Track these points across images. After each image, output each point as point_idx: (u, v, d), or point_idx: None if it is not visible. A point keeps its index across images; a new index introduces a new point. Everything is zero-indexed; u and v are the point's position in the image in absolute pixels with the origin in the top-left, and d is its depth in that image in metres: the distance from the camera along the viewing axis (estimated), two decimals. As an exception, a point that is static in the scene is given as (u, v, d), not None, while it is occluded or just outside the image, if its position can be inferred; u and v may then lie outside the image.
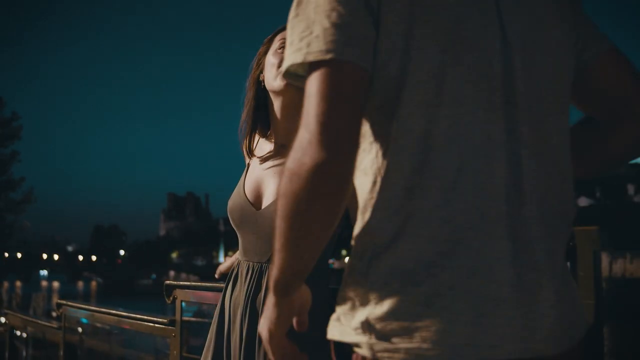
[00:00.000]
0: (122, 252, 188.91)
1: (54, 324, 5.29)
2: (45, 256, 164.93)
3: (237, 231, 2.60)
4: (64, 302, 5.10)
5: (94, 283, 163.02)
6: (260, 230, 2.49)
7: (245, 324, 2.45)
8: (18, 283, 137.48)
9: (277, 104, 2.57)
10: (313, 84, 1.33)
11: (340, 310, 1.44)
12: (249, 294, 2.48)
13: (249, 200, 2.55)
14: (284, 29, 2.54)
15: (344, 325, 1.41)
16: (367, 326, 1.36)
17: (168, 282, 3.59)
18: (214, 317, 2.64)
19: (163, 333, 3.65)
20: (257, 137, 2.67)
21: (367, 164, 1.41)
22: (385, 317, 1.33)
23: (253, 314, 2.45)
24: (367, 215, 1.40)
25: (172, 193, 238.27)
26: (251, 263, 2.52)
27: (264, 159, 2.60)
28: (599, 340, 1.75)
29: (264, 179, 2.56)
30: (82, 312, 4.71)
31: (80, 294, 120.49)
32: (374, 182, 1.39)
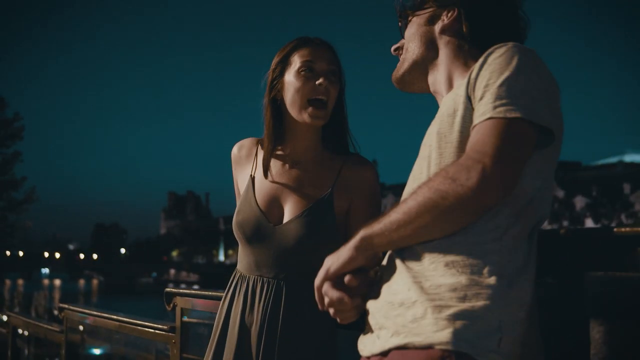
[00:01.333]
0: (123, 251, 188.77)
1: (56, 327, 5.30)
2: (46, 254, 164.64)
3: (246, 245, 2.53)
4: (66, 305, 5.11)
5: (95, 281, 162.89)
6: (278, 246, 2.44)
7: (262, 346, 2.40)
8: (20, 281, 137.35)
9: (297, 125, 2.53)
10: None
11: None
12: (266, 313, 2.42)
13: (264, 215, 2.49)
14: (302, 45, 2.53)
15: None
16: None
17: (168, 289, 3.60)
18: (213, 331, 2.58)
19: (163, 339, 3.67)
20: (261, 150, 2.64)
21: None
22: None
23: (271, 335, 2.40)
24: None
25: (172, 192, 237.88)
26: (265, 279, 2.46)
27: (277, 175, 2.55)
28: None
29: (281, 194, 2.50)
30: (84, 316, 4.72)
31: (82, 292, 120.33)
32: None
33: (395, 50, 2.19)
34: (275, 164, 2.57)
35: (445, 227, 1.67)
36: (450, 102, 1.88)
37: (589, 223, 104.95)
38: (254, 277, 2.49)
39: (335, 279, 1.81)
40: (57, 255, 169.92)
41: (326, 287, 1.82)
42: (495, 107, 1.69)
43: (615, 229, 1.78)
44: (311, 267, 2.37)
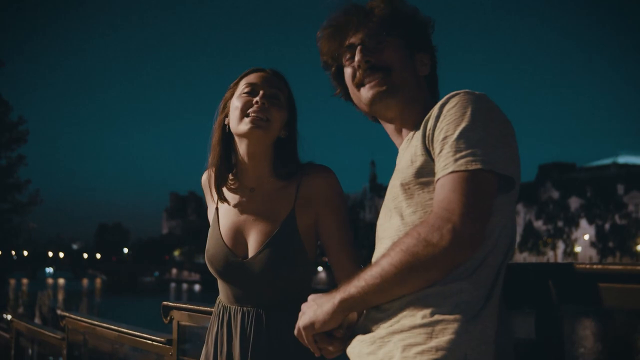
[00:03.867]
0: (125, 250, 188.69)
1: (58, 335, 5.33)
2: (51, 254, 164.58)
3: (220, 279, 2.52)
4: (67, 314, 5.14)
5: (98, 280, 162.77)
6: (250, 279, 2.42)
7: None
8: (24, 280, 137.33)
9: (242, 147, 2.50)
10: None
11: None
12: (249, 344, 2.42)
13: (231, 250, 2.47)
14: (250, 72, 2.53)
15: None
16: None
17: (165, 303, 3.64)
18: (201, 357, 2.59)
19: (160, 351, 3.70)
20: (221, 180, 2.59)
21: None
22: None
23: None
24: None
25: (174, 192, 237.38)
26: (245, 309, 2.45)
27: (237, 205, 2.53)
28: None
29: (244, 226, 2.48)
30: (85, 325, 4.75)
31: (85, 291, 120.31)
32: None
33: (366, 59, 2.08)
34: (234, 195, 2.55)
35: (419, 284, 1.72)
36: (407, 155, 1.93)
37: (584, 224, 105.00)
38: (234, 307, 2.48)
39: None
40: (61, 254, 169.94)
41: (309, 338, 1.93)
42: (456, 160, 1.73)
43: (577, 265, 1.82)
44: (288, 294, 2.41)
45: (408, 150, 1.96)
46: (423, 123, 1.90)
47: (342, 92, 2.23)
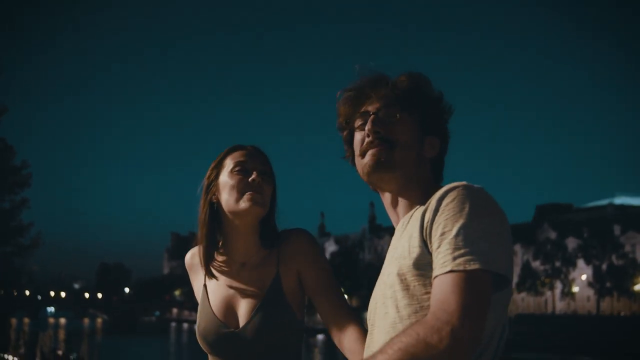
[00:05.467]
0: (127, 290, 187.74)
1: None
2: (52, 293, 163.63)
3: (212, 354, 2.53)
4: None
5: (99, 320, 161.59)
6: (242, 350, 2.45)
7: None
8: (26, 320, 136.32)
9: (235, 224, 2.53)
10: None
11: None
12: None
13: (223, 322, 2.49)
14: (234, 150, 2.57)
15: None
16: None
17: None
18: None
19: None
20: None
21: None
22: None
23: None
24: None
25: (175, 233, 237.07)
26: None
27: (227, 280, 2.56)
28: None
29: (233, 299, 2.51)
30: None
31: (86, 330, 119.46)
32: None
33: (375, 131, 2.09)
34: (221, 269, 2.58)
35: None
36: (405, 244, 1.96)
37: (581, 264, 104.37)
38: None
39: None
40: (63, 294, 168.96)
41: None
42: (454, 259, 1.74)
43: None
44: (280, 356, 2.46)
45: (404, 237, 1.99)
46: (421, 214, 1.93)
47: (351, 157, 2.25)
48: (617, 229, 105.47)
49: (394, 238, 2.12)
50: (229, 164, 2.55)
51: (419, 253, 1.88)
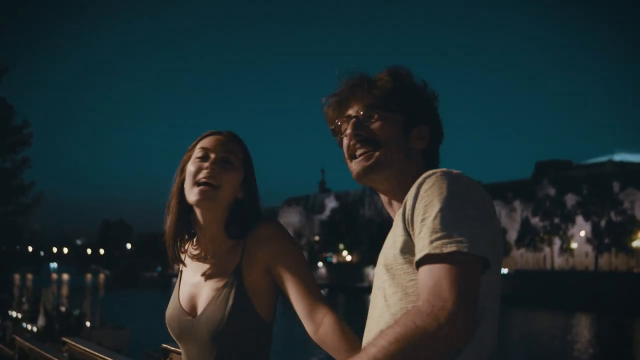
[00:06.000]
0: (128, 246, 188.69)
1: (61, 360, 5.29)
2: (55, 250, 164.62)
3: (178, 342, 2.52)
4: (68, 339, 5.12)
5: (102, 275, 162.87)
6: (200, 339, 2.41)
7: None
8: (29, 276, 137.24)
9: (197, 213, 2.48)
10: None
11: None
12: None
13: (184, 310, 2.47)
14: (204, 136, 2.52)
15: None
16: None
17: (165, 345, 3.60)
18: None
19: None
20: (181, 243, 2.57)
21: None
22: None
23: None
24: None
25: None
26: None
27: (194, 268, 2.52)
28: None
29: (196, 288, 2.48)
30: (86, 353, 4.73)
31: (89, 286, 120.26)
32: None
33: (357, 134, 2.11)
34: (192, 257, 2.54)
35: None
36: (390, 235, 1.97)
37: (580, 220, 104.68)
38: None
39: None
40: (65, 250, 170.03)
41: None
42: (439, 243, 1.72)
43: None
44: (237, 353, 2.40)
45: (392, 229, 1.98)
46: (403, 203, 1.91)
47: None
48: (616, 186, 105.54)
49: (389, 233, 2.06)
50: (196, 150, 2.49)
51: (402, 241, 1.87)
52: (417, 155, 2.13)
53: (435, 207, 1.78)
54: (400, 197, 2.05)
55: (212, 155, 2.44)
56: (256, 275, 2.44)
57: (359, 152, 2.10)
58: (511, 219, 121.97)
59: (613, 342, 53.63)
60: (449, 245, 1.71)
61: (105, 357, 4.37)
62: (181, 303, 2.49)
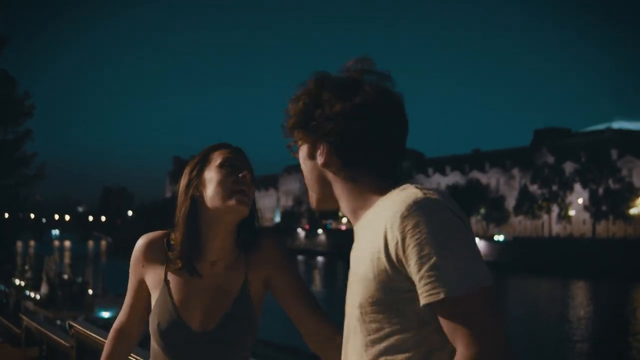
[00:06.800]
0: (130, 213, 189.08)
1: (67, 343, 5.33)
2: (57, 217, 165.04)
3: (167, 352, 2.41)
4: (75, 324, 5.15)
5: (103, 242, 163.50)
6: (209, 353, 2.39)
7: None
8: (31, 242, 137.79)
9: (215, 221, 2.43)
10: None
11: None
12: None
13: (188, 325, 2.39)
14: (219, 147, 2.50)
15: None
16: None
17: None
18: None
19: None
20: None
21: None
22: None
23: None
24: None
25: (177, 156, 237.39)
26: None
27: (195, 278, 2.44)
28: None
29: (200, 300, 2.42)
30: (92, 339, 4.75)
31: (91, 254, 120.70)
32: None
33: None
34: (190, 267, 2.45)
35: None
36: (362, 268, 1.85)
37: (578, 188, 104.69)
38: None
39: None
40: (67, 217, 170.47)
41: None
42: (451, 283, 1.68)
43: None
44: (234, 354, 2.44)
45: (364, 258, 1.86)
46: (382, 236, 1.78)
47: None
48: (614, 153, 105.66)
49: (355, 237, 2.00)
50: (216, 158, 2.46)
51: (387, 275, 1.78)
52: (329, 174, 2.00)
53: (432, 248, 1.70)
54: (353, 217, 2.00)
55: (242, 166, 2.45)
56: (258, 287, 2.49)
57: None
58: (510, 187, 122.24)
59: (610, 308, 54.01)
60: (465, 282, 1.68)
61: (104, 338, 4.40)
62: (181, 315, 2.40)
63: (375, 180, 1.94)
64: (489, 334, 1.66)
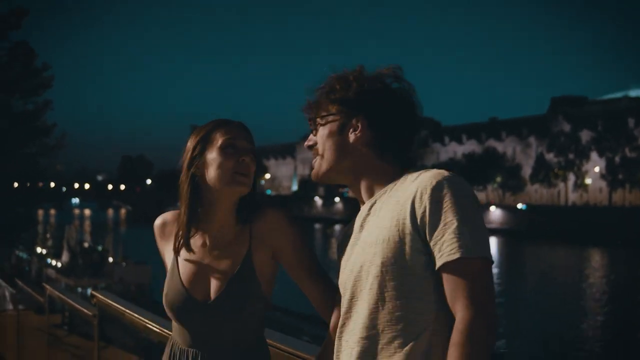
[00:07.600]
0: (149, 181, 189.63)
1: (90, 312, 5.37)
2: (77, 185, 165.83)
3: (178, 323, 2.55)
4: (97, 293, 5.19)
5: (123, 211, 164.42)
6: (213, 321, 2.47)
7: None
8: (52, 211, 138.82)
9: (215, 198, 2.51)
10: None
11: None
12: None
13: (191, 295, 2.49)
14: (221, 125, 2.53)
15: None
16: None
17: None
18: None
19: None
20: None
21: None
22: None
23: None
24: None
25: (194, 125, 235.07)
26: (202, 353, 2.50)
27: (198, 251, 2.55)
28: None
29: (204, 270, 2.52)
30: (114, 308, 4.79)
31: (111, 222, 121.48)
32: None
33: (308, 147, 2.32)
34: (195, 241, 2.56)
35: None
36: (384, 231, 2.04)
37: (594, 157, 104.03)
38: (192, 351, 2.51)
39: None
40: (87, 186, 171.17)
41: None
42: (461, 247, 1.90)
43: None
44: (246, 334, 2.51)
45: (382, 224, 2.06)
46: (410, 203, 1.99)
47: None
48: (631, 122, 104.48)
49: (359, 217, 2.20)
50: (217, 139, 2.51)
51: (411, 239, 1.98)
52: (357, 151, 2.20)
53: (456, 216, 1.92)
54: (358, 190, 2.22)
55: (244, 148, 2.50)
56: (264, 260, 2.53)
57: (313, 160, 2.30)
58: (526, 155, 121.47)
59: (626, 274, 53.97)
60: (479, 250, 1.91)
61: (131, 313, 4.44)
62: (186, 287, 2.51)
63: (398, 161, 2.17)
64: (487, 302, 1.88)
